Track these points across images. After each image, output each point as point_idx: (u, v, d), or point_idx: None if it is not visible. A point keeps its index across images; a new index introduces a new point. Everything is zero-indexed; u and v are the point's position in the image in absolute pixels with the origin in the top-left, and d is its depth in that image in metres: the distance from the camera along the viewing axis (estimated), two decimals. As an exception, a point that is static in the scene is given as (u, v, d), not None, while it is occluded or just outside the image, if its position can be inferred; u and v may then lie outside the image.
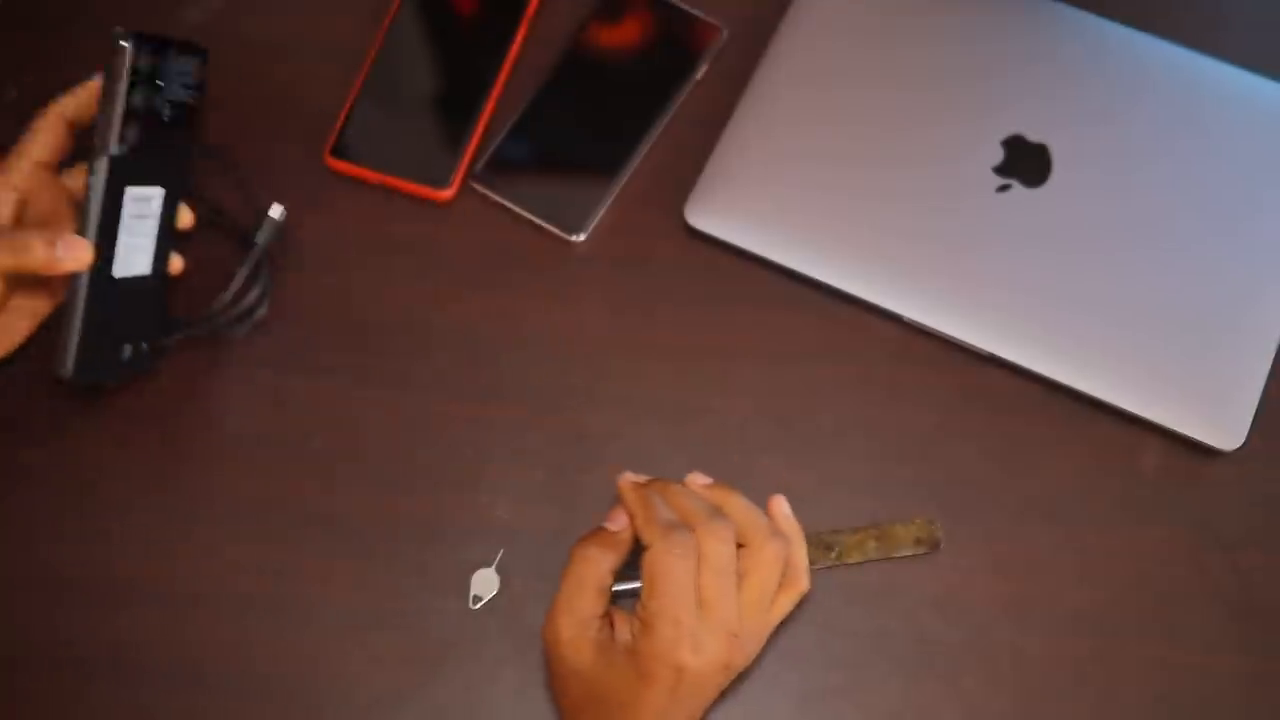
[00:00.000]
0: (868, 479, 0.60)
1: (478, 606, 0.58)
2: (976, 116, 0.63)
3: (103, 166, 0.53)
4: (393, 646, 0.57)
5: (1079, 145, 0.62)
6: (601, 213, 0.64)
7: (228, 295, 0.59)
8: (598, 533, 0.52)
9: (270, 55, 0.68)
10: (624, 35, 0.67)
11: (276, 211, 0.61)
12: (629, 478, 0.53)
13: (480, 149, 0.65)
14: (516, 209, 0.64)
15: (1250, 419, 0.58)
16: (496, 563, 0.58)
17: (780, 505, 0.54)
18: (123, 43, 0.53)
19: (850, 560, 0.58)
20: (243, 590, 0.58)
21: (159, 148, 0.55)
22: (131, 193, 0.54)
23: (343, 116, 0.65)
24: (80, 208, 0.53)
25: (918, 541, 0.58)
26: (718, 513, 0.51)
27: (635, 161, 0.64)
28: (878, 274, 0.61)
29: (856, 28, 0.64)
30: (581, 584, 0.51)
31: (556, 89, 0.66)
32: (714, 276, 0.63)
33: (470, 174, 0.64)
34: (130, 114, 0.53)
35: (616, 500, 0.53)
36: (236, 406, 0.61)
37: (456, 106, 0.65)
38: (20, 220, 0.55)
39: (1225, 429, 0.58)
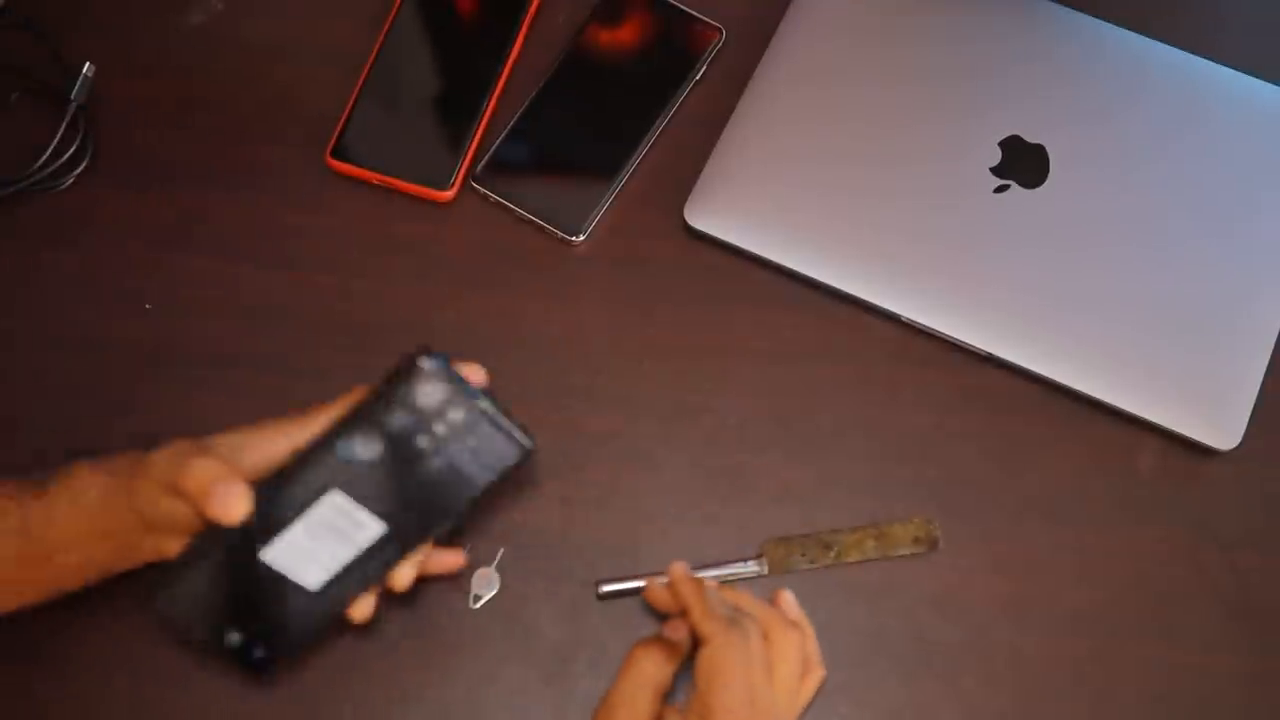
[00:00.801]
0: (866, 478, 0.60)
1: (478, 605, 0.58)
2: (974, 117, 0.63)
3: (314, 454, 0.47)
4: (395, 646, 0.57)
5: (1076, 146, 0.62)
6: (601, 213, 0.64)
7: (49, 149, 0.58)
8: (662, 641, 0.51)
9: (271, 57, 0.68)
10: (624, 36, 0.67)
11: (88, 69, 0.62)
12: (683, 567, 0.53)
13: (480, 150, 0.65)
14: (516, 209, 0.64)
15: (1247, 418, 0.58)
16: (497, 562, 0.58)
17: (788, 597, 0.55)
18: (420, 363, 0.46)
19: (849, 559, 0.58)
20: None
21: (404, 490, 0.48)
22: (337, 501, 0.48)
23: (343, 117, 0.65)
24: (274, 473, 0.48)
25: (916, 541, 0.58)
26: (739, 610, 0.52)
27: (635, 162, 0.64)
28: (876, 274, 0.61)
29: (856, 28, 0.65)
30: (643, 686, 0.50)
31: (556, 89, 0.66)
32: (713, 276, 0.63)
33: (470, 174, 0.64)
34: (380, 429, 0.47)
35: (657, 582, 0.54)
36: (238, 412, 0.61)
37: (457, 108, 0.65)
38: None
39: (1222, 428, 0.58)
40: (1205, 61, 0.64)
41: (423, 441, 0.47)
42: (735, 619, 0.50)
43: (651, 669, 0.50)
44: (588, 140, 0.65)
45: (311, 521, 0.48)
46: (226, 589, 0.48)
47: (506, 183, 0.64)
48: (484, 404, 0.47)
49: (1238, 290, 0.60)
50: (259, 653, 0.50)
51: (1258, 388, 0.59)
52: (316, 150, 0.65)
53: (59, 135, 0.63)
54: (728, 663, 0.49)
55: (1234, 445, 0.58)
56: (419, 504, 0.49)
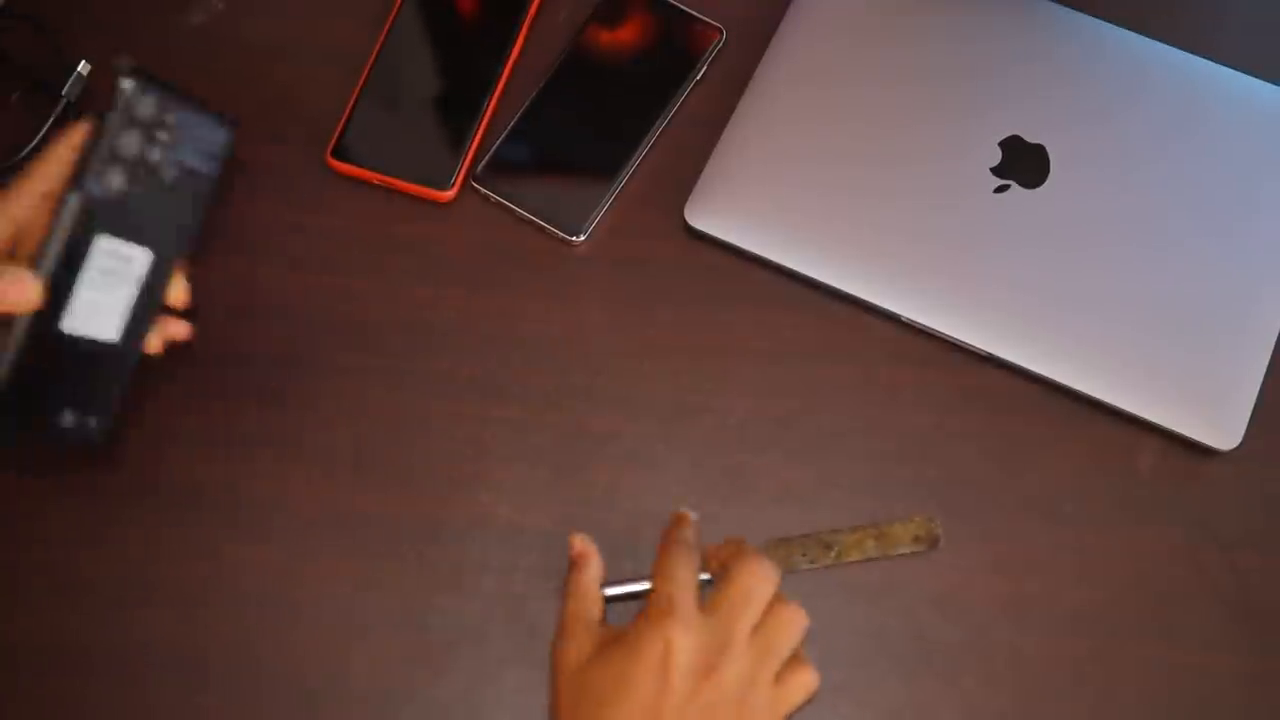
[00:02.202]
0: (866, 479, 0.60)
1: None
2: (974, 117, 0.63)
3: (70, 203, 0.46)
4: (394, 646, 0.57)
5: (1077, 146, 0.62)
6: (601, 213, 0.64)
7: (32, 144, 0.57)
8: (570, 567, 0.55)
9: (271, 57, 0.68)
10: (624, 36, 0.67)
11: (83, 67, 0.61)
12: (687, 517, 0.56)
13: (481, 150, 0.65)
14: (516, 209, 0.64)
15: (1247, 418, 0.58)
16: None
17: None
18: (123, 82, 0.47)
19: (849, 559, 0.58)
20: (244, 589, 0.58)
21: (154, 208, 0.49)
22: (105, 245, 0.48)
23: (344, 118, 0.65)
24: (39, 246, 0.47)
25: (916, 540, 0.58)
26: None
27: (635, 162, 0.64)
28: (877, 274, 0.61)
29: (856, 28, 0.65)
30: (580, 585, 0.54)
31: (556, 89, 0.66)
32: (713, 276, 0.63)
33: (471, 174, 0.64)
34: (117, 157, 0.47)
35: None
36: (236, 404, 0.61)
37: (457, 108, 0.65)
38: (9, 252, 0.49)
39: (1223, 428, 0.58)
40: (1205, 61, 0.64)
41: (153, 154, 0.49)
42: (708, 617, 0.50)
43: (576, 593, 0.54)
44: (588, 140, 0.65)
45: (91, 275, 0.48)
46: (39, 376, 0.48)
47: (507, 183, 0.64)
48: (190, 100, 0.49)
49: (1238, 289, 0.60)
50: (93, 423, 0.50)
51: (1258, 387, 0.59)
52: (317, 150, 0.65)
53: (43, 131, 0.63)
54: (672, 554, 0.51)
55: (1234, 445, 0.58)
56: (169, 218, 0.50)
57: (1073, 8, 0.66)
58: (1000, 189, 0.62)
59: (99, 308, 0.49)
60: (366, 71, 0.66)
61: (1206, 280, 0.60)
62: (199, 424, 0.61)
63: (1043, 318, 0.60)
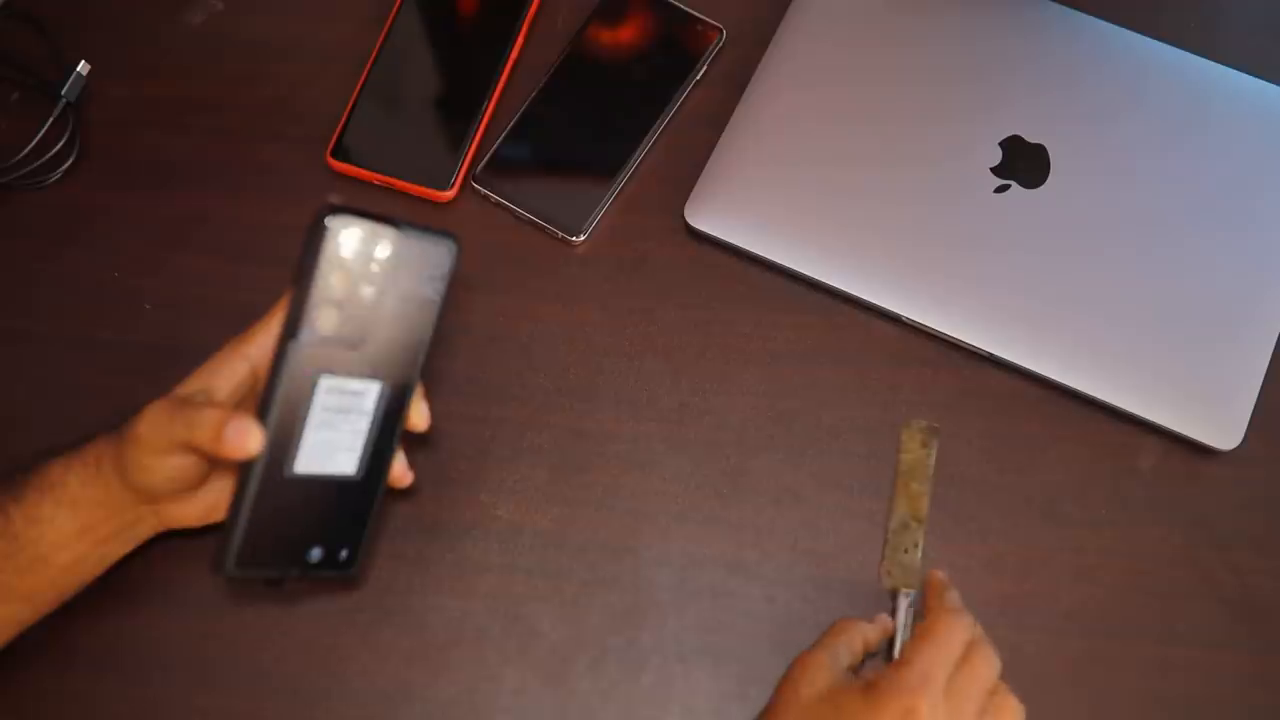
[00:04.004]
0: (867, 479, 0.60)
1: None
2: (975, 117, 0.63)
3: (286, 352, 0.46)
4: (395, 645, 0.57)
5: (1077, 146, 0.62)
6: (601, 213, 0.64)
7: (30, 144, 0.58)
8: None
9: (271, 57, 0.68)
10: (624, 36, 0.67)
11: (83, 67, 0.61)
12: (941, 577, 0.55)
13: (481, 150, 0.65)
14: (517, 209, 0.64)
15: (1248, 418, 0.58)
16: None
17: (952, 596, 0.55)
18: (326, 222, 0.45)
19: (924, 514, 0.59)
20: (245, 589, 0.58)
21: (378, 341, 0.48)
22: (329, 384, 0.47)
23: (344, 118, 0.65)
24: (260, 395, 0.47)
25: (924, 444, 0.59)
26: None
27: (635, 162, 0.64)
28: (877, 274, 0.61)
29: (856, 28, 0.65)
30: (846, 634, 0.53)
31: (556, 89, 0.66)
32: (713, 276, 0.63)
33: (471, 174, 0.64)
34: (328, 299, 0.46)
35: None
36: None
37: (457, 108, 0.65)
38: (247, 395, 0.51)
39: (1223, 428, 0.58)
40: (1206, 61, 0.64)
41: (368, 289, 0.47)
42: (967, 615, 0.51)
43: (853, 629, 0.53)
44: (588, 140, 0.65)
45: (318, 416, 0.48)
46: (281, 517, 0.48)
47: (507, 183, 0.64)
48: (402, 228, 0.47)
49: (1239, 289, 0.60)
50: (343, 553, 0.50)
51: (1259, 387, 0.59)
52: (317, 150, 0.65)
53: (42, 132, 0.63)
54: (944, 624, 0.50)
55: (1235, 445, 0.58)
56: (396, 348, 0.49)
57: (1074, 7, 0.65)
58: (1001, 189, 0.62)
59: (332, 446, 0.48)
60: (366, 72, 0.66)
61: (1207, 280, 0.60)
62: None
63: (1043, 317, 0.60)
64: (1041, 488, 0.60)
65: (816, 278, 0.61)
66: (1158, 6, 0.67)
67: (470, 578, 0.58)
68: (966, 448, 0.60)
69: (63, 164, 0.65)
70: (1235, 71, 0.64)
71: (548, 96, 0.66)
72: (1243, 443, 0.58)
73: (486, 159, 0.65)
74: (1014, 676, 0.56)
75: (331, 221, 0.45)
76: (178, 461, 0.48)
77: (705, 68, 0.66)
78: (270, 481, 0.47)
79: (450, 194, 0.64)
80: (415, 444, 0.60)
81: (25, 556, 0.49)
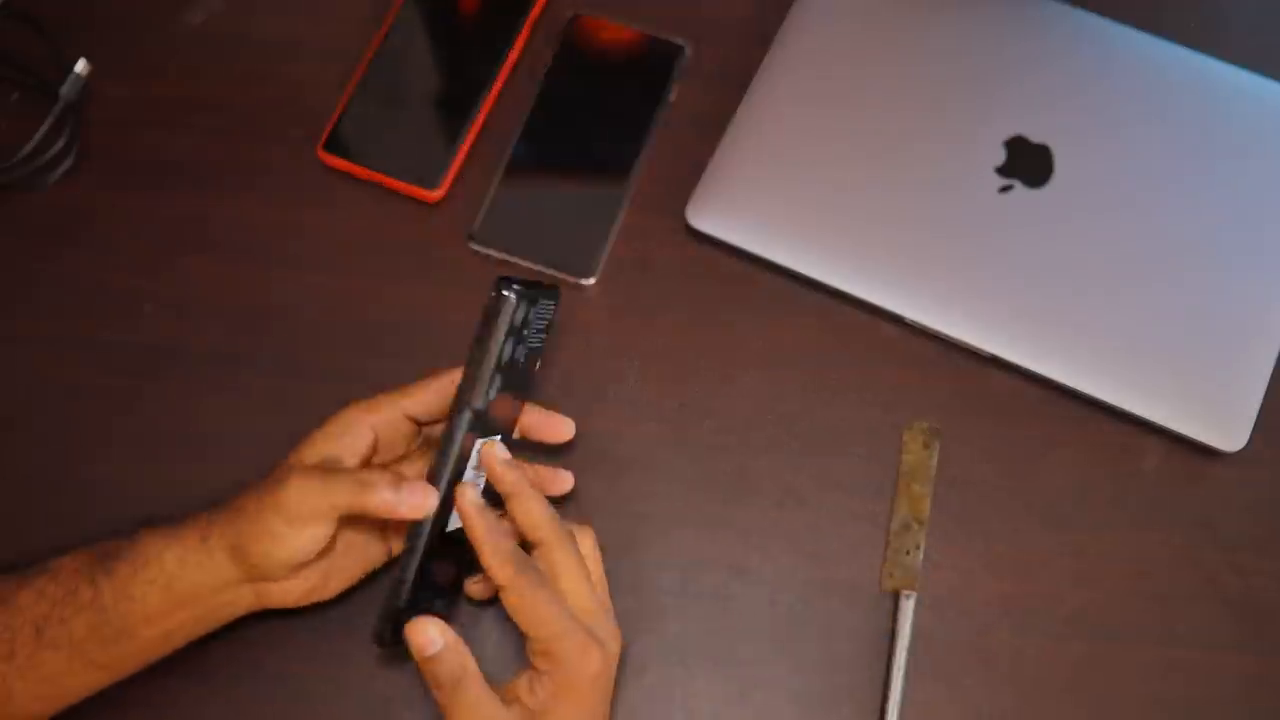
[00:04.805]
0: (869, 480, 0.60)
1: None
2: (978, 117, 0.63)
3: (464, 420, 0.49)
4: (395, 649, 0.57)
5: (1081, 146, 0.62)
6: (609, 248, 0.63)
7: (30, 145, 0.58)
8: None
9: (272, 57, 0.68)
10: (590, 70, 0.66)
11: (82, 67, 0.61)
12: (499, 454, 0.51)
13: (473, 152, 0.65)
14: (523, 262, 0.63)
15: (1253, 420, 0.58)
16: None
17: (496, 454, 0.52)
18: (507, 293, 0.48)
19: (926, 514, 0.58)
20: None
21: (506, 397, 0.51)
22: (478, 443, 0.50)
23: (337, 112, 0.65)
24: (434, 456, 0.49)
25: (926, 445, 0.58)
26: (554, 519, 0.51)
27: (630, 193, 0.64)
28: (879, 275, 0.61)
29: (858, 28, 0.64)
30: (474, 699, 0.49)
31: (535, 134, 0.65)
32: (715, 278, 0.63)
33: (468, 235, 0.63)
34: (499, 367, 0.49)
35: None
36: (238, 411, 0.61)
37: (451, 109, 0.65)
38: (367, 462, 0.53)
39: (1228, 430, 0.58)
40: (1212, 60, 0.64)
41: (520, 353, 0.50)
42: (517, 559, 0.49)
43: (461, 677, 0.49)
44: (577, 181, 0.64)
45: (469, 475, 0.50)
46: (429, 575, 0.50)
47: (505, 239, 0.63)
48: (554, 294, 0.51)
49: (1244, 290, 0.60)
50: (441, 603, 0.52)
51: (1264, 388, 0.58)
52: (314, 148, 0.65)
53: (41, 132, 0.63)
54: (530, 594, 0.48)
55: (1239, 447, 0.58)
56: (516, 399, 0.53)
57: (1078, 6, 0.65)
58: (1005, 189, 0.61)
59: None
60: (363, 67, 0.66)
61: (1213, 280, 0.60)
62: (198, 423, 0.61)
63: (1047, 318, 0.59)
64: (1044, 489, 0.59)
65: (818, 278, 0.61)
66: (1160, 4, 0.67)
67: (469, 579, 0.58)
68: (969, 449, 0.60)
69: (62, 164, 0.65)
70: (1241, 70, 0.64)
71: (528, 145, 0.65)
72: (1247, 444, 0.58)
73: (481, 217, 0.63)
74: (1015, 679, 0.57)
75: (509, 293, 0.48)
76: (315, 532, 0.49)
77: (677, 86, 0.66)
78: (434, 540, 0.49)
79: (438, 194, 0.64)
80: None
81: (112, 629, 0.49)
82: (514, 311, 0.48)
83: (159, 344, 0.62)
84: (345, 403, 0.53)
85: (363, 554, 0.54)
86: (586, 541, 0.52)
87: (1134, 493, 0.59)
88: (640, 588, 0.58)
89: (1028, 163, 0.62)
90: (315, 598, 0.53)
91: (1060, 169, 0.62)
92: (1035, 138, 0.62)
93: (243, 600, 0.51)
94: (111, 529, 0.51)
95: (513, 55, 0.66)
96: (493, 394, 0.49)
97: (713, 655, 0.57)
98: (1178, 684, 0.56)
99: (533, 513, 0.50)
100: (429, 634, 0.48)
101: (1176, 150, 0.62)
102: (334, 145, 0.64)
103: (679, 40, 0.66)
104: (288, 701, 0.57)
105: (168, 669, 0.57)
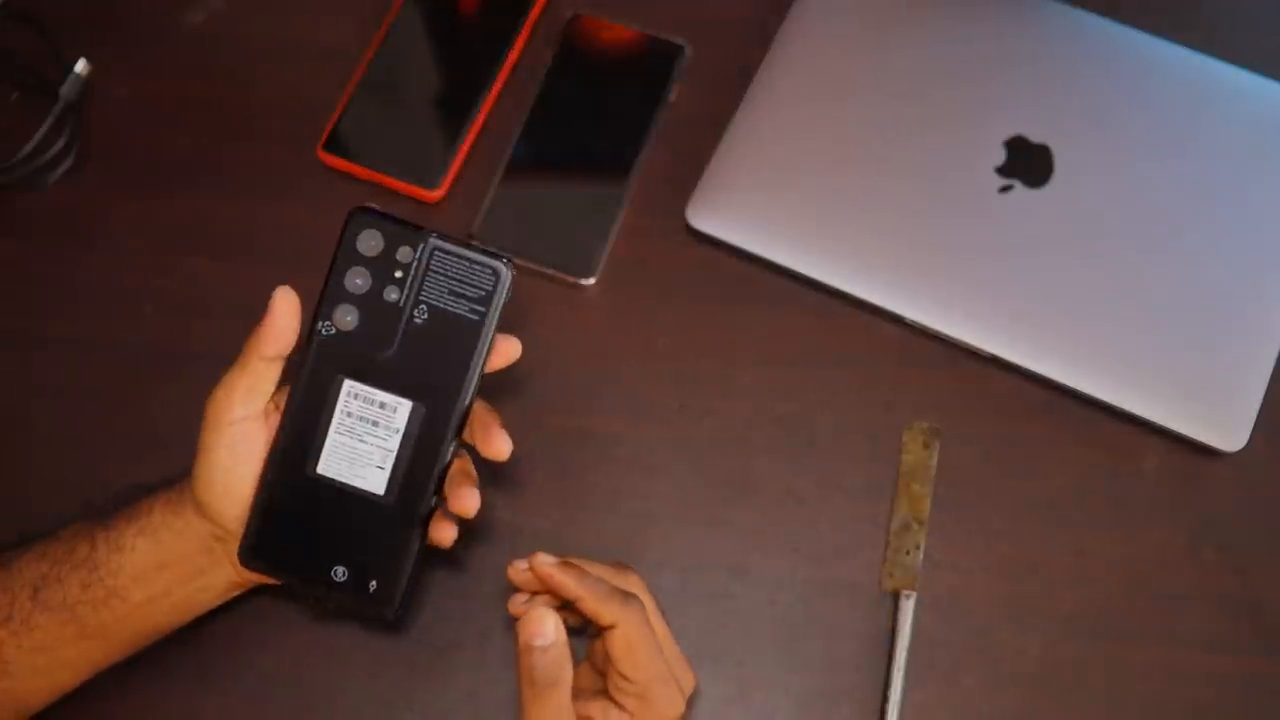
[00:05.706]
0: (870, 481, 0.60)
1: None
2: (978, 117, 0.63)
3: (308, 345, 0.47)
4: (396, 647, 0.57)
5: (1081, 146, 0.62)
6: (609, 247, 0.63)
7: (29, 145, 0.58)
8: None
9: (273, 57, 0.68)
10: (588, 72, 0.66)
11: (82, 67, 0.61)
12: (546, 559, 0.48)
13: (473, 152, 0.65)
14: (525, 264, 0.63)
15: (1253, 420, 0.58)
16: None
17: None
18: (351, 216, 0.47)
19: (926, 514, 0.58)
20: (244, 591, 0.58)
21: (407, 356, 0.47)
22: (351, 388, 0.47)
23: (337, 111, 0.65)
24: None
25: (926, 445, 0.58)
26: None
27: (630, 193, 0.64)
28: (879, 275, 0.61)
29: (858, 28, 0.64)
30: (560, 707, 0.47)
31: (536, 134, 0.65)
32: (715, 277, 0.63)
33: (468, 235, 0.63)
34: (345, 294, 0.47)
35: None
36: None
37: (451, 109, 0.65)
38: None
39: (1228, 430, 0.58)
40: (1212, 60, 0.64)
41: (392, 294, 0.47)
42: (620, 592, 0.48)
43: (562, 691, 0.47)
44: (576, 181, 0.64)
45: (341, 420, 0.48)
46: (302, 519, 0.48)
47: (506, 239, 0.63)
48: (434, 239, 0.47)
49: (1244, 289, 0.60)
50: (373, 584, 0.48)
51: (1264, 388, 0.58)
52: (314, 148, 0.65)
53: (41, 132, 0.63)
54: (640, 636, 0.47)
55: (1239, 447, 0.58)
56: (430, 363, 0.48)
57: (1078, 6, 0.65)
58: (1005, 189, 0.61)
59: (355, 455, 0.48)
60: (363, 67, 0.66)
61: (1213, 280, 0.60)
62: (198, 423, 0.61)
63: (1047, 318, 0.59)
64: (1044, 489, 0.59)
65: (818, 278, 0.61)
66: (1161, 4, 0.66)
67: (471, 580, 0.58)
68: (968, 449, 0.60)
69: (63, 164, 0.65)
70: (1242, 70, 0.64)
71: (526, 148, 0.65)
72: (1247, 444, 0.58)
73: (481, 219, 0.63)
74: (1016, 679, 0.57)
75: (356, 217, 0.47)
76: (235, 431, 0.47)
77: (677, 86, 0.66)
78: (288, 472, 0.48)
79: (438, 194, 0.64)
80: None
81: (103, 589, 0.49)
82: (353, 235, 0.46)
83: (159, 344, 0.62)
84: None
85: None
86: (635, 584, 0.50)
87: (1134, 493, 0.59)
88: (640, 588, 0.58)
89: (1028, 163, 0.62)
90: None
91: (1060, 169, 0.62)
92: (1035, 138, 0.62)
93: (220, 567, 0.50)
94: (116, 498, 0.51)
95: (512, 55, 0.66)
96: (344, 322, 0.47)
97: (713, 655, 0.57)
98: (1178, 684, 0.56)
99: (602, 601, 0.47)
100: (545, 626, 0.46)
101: (1177, 150, 0.62)
102: (334, 145, 0.64)
103: (679, 40, 0.66)
104: (288, 701, 0.57)
105: (168, 669, 0.57)
